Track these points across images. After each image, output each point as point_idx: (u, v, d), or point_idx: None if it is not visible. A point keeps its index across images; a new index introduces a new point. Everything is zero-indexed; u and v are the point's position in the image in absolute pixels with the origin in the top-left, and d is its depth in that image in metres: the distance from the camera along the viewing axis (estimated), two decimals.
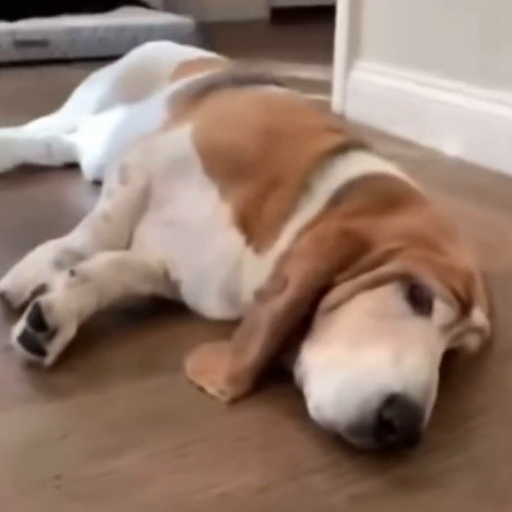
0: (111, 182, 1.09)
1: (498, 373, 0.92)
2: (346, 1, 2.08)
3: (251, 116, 1.08)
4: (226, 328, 0.91)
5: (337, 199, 0.95)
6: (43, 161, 1.64)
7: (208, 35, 3.20)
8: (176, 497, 0.69)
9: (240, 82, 1.27)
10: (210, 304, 1.01)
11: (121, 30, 3.11)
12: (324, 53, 2.25)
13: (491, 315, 0.92)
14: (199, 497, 0.69)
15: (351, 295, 0.83)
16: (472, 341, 0.84)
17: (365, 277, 0.83)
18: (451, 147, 1.80)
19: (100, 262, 0.96)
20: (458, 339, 0.83)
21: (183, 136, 1.05)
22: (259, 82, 1.28)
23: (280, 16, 4.48)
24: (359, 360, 0.76)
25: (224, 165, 1.01)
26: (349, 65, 2.12)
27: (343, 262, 0.85)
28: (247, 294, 0.95)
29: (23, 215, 1.39)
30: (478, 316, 0.83)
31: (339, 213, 0.93)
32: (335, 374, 0.76)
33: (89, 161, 1.57)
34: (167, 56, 1.58)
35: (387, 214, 0.92)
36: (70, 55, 3.00)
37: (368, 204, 0.94)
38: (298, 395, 0.80)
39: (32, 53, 3.03)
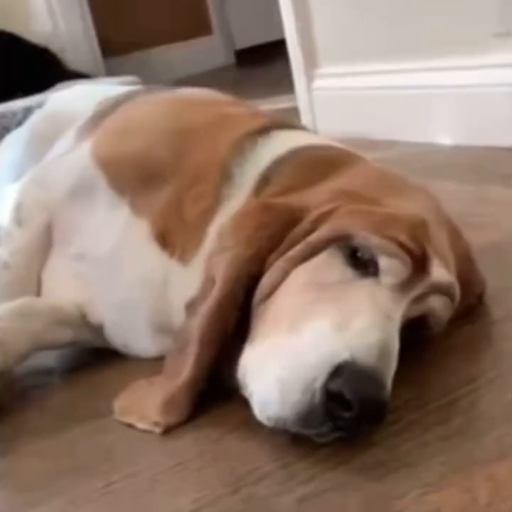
0: (5, 225, 1.11)
1: (488, 341, 0.92)
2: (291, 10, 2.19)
3: (158, 118, 1.12)
4: (162, 362, 0.91)
5: (265, 181, 0.98)
6: None
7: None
8: None
9: (154, 90, 1.33)
10: (141, 342, 1.01)
11: None
12: (290, 83, 2.41)
13: (468, 273, 0.92)
14: None
15: (285, 274, 0.83)
16: (438, 303, 0.84)
17: (297, 250, 0.84)
18: (442, 133, 1.83)
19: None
20: (422, 302, 0.83)
21: (81, 155, 1.09)
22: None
23: (245, 58, 4.81)
24: (297, 340, 0.76)
25: (132, 175, 1.03)
26: (309, 75, 2.20)
27: (270, 240, 0.87)
28: (180, 316, 0.95)
29: None
30: (440, 272, 0.83)
31: (267, 195, 0.96)
32: (273, 363, 0.76)
33: None
34: (84, 99, 1.65)
35: (321, 182, 0.94)
36: None
37: (299, 178, 0.96)
38: (244, 409, 0.79)
39: None
